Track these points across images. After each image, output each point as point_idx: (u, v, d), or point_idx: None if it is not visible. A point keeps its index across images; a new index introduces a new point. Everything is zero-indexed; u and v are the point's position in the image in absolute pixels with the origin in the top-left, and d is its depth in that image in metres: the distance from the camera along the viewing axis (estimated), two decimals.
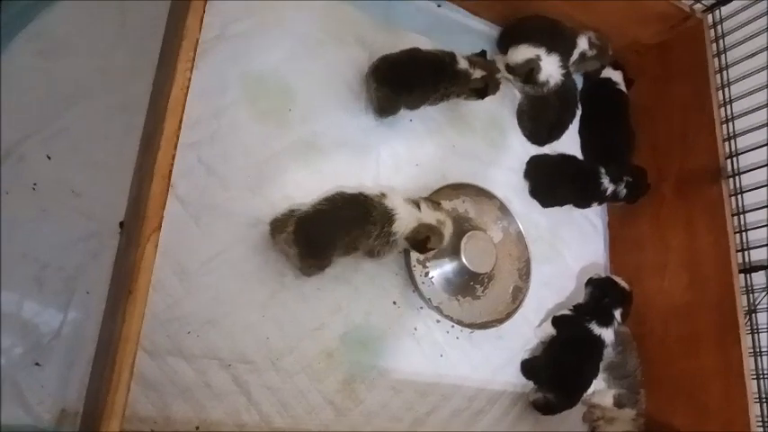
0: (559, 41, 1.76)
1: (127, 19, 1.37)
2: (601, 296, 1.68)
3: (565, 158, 1.87)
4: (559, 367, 1.60)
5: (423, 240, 1.39)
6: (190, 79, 1.07)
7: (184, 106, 1.05)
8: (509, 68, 1.73)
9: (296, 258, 1.32)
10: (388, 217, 1.35)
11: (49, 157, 1.24)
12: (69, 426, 1.12)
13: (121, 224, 1.27)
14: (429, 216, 1.40)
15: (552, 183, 1.82)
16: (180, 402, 1.24)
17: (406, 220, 1.36)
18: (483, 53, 1.66)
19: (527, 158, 1.84)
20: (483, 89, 1.61)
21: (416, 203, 1.41)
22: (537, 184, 1.80)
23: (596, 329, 1.61)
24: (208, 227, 1.34)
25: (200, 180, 1.35)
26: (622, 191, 1.80)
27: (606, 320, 1.63)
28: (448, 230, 1.43)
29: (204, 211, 1.34)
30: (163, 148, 1.01)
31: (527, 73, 1.70)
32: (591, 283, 1.73)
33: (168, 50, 1.27)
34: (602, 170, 1.80)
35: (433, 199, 1.58)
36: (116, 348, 0.91)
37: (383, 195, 1.37)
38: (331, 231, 1.31)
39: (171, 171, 1.02)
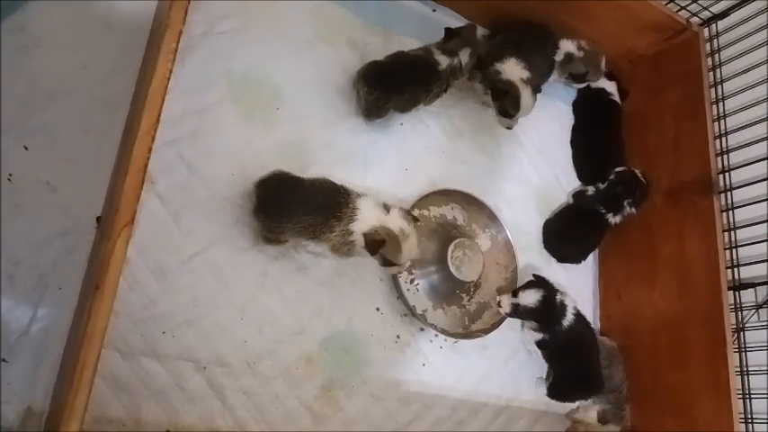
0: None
1: (112, 15, 1.34)
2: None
3: (571, 214, 1.83)
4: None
5: (377, 241, 1.28)
6: (171, 71, 1.04)
7: (164, 98, 1.03)
8: None
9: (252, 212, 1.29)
10: (351, 215, 1.28)
11: (26, 148, 1.21)
12: (34, 425, 1.08)
13: (98, 219, 1.24)
14: (395, 222, 1.30)
15: (577, 245, 1.82)
16: (152, 404, 1.20)
17: (367, 220, 1.28)
18: (449, 31, 1.57)
19: (516, 165, 1.81)
20: (479, 62, 1.59)
21: (387, 208, 1.32)
22: (565, 255, 1.81)
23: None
24: (188, 225, 1.31)
25: (181, 178, 1.32)
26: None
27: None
28: (409, 246, 1.31)
29: (184, 210, 1.31)
30: (139, 140, 0.98)
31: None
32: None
33: (152, 44, 1.25)
34: (603, 209, 1.75)
35: (421, 206, 1.56)
36: (80, 345, 0.88)
37: (359, 195, 1.31)
38: (293, 204, 1.27)
39: (147, 165, 0.99)
